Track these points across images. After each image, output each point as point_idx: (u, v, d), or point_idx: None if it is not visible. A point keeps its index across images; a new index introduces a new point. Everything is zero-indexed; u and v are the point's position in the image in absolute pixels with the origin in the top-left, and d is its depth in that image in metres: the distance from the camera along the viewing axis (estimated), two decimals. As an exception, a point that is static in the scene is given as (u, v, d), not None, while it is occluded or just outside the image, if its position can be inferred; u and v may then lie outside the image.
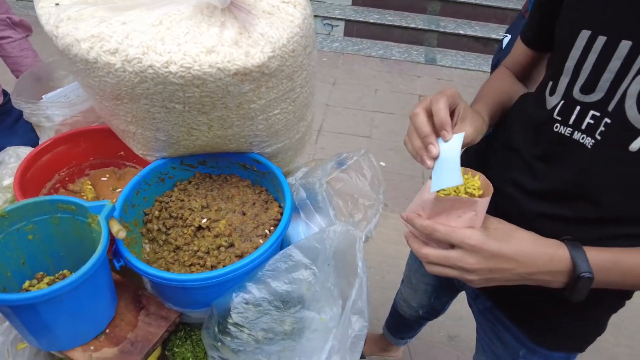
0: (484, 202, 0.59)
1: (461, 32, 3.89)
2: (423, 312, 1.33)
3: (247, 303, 0.67)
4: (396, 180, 2.57)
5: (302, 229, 0.83)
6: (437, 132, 0.63)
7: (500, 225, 0.63)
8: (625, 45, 0.57)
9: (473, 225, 0.60)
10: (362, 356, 1.79)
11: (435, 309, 1.32)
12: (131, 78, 0.66)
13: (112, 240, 0.71)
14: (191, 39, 0.65)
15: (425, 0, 4.07)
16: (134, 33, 0.65)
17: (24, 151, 0.92)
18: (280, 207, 0.83)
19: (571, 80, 0.64)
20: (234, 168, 0.89)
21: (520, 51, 0.85)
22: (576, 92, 0.64)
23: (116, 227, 0.66)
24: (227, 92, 0.68)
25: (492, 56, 3.89)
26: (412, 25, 3.94)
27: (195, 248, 0.77)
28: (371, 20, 3.95)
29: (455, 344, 1.85)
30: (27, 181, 0.84)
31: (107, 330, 0.73)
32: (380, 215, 0.86)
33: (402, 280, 1.37)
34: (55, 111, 0.95)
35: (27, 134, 1.24)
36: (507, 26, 3.98)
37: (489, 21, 3.99)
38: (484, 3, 3.95)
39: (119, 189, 0.95)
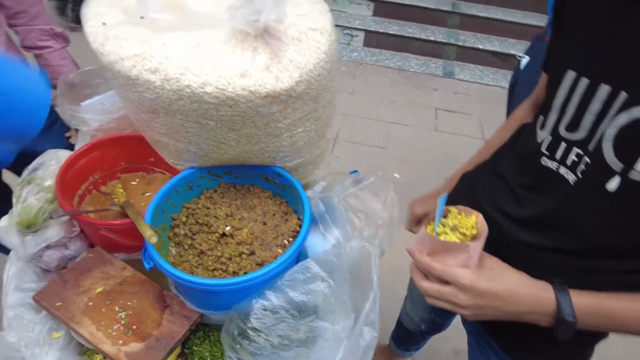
0: (476, 246, 0.63)
1: (480, 46, 3.91)
2: (425, 327, 1.36)
3: (265, 309, 0.72)
4: (408, 193, 2.60)
5: (319, 241, 0.88)
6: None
7: (494, 265, 0.67)
8: (604, 89, 0.60)
9: (467, 264, 0.64)
10: (368, 364, 1.82)
11: (436, 324, 1.35)
12: (169, 95, 0.72)
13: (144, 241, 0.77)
14: (226, 62, 0.70)
15: (446, 13, 4.10)
16: (174, 54, 0.71)
17: (63, 154, 0.98)
18: (299, 219, 0.88)
19: (558, 118, 0.68)
20: (256, 179, 0.94)
21: (543, 80, 0.87)
22: (562, 129, 0.67)
23: (148, 233, 0.71)
24: (256, 112, 0.73)
25: (510, 72, 3.90)
26: (432, 38, 3.97)
27: (219, 254, 0.82)
28: (391, 32, 4.00)
29: (460, 359, 1.87)
30: (66, 182, 0.90)
31: (135, 327, 0.79)
32: (393, 236, 0.90)
33: (406, 295, 1.40)
34: (92, 117, 1.01)
35: (58, 137, 1.31)
36: (526, 42, 4.00)
37: (508, 36, 4.00)
38: (504, 18, 3.97)
39: (148, 193, 1.01)
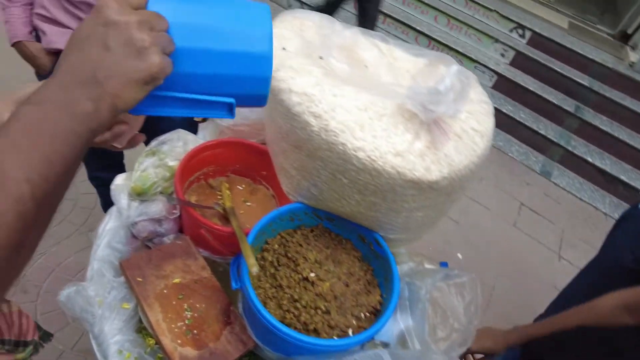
0: None
1: (589, 159, 3.70)
2: None
3: (324, 378, 0.71)
4: (464, 276, 2.51)
5: (389, 322, 0.86)
6: None
7: None
8: None
9: None
10: None
11: None
12: (320, 143, 0.73)
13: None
14: (386, 136, 0.71)
15: (566, 113, 3.93)
16: (341, 109, 0.72)
17: (191, 138, 1.03)
18: (381, 296, 0.86)
19: None
20: (352, 235, 0.94)
21: None
22: None
23: (252, 261, 0.73)
24: (391, 189, 0.73)
25: (612, 196, 3.64)
26: (542, 132, 3.82)
27: (296, 296, 0.82)
28: (504, 110, 3.89)
29: None
30: (185, 170, 0.95)
31: (195, 332, 0.80)
32: (467, 347, 0.86)
33: None
34: (228, 115, 1.06)
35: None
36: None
37: (624, 160, 3.76)
38: (627, 141, 3.73)
39: (249, 203, 1.04)
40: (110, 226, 0.95)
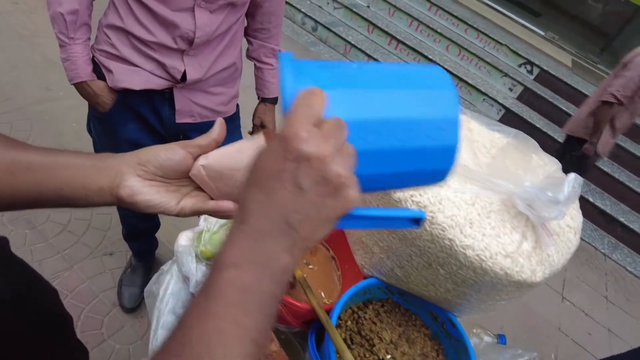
0: None
1: (590, 198, 3.77)
2: None
3: None
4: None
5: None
6: None
7: None
8: None
9: None
10: None
11: None
12: (423, 234, 0.71)
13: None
14: (495, 235, 0.69)
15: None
16: (448, 202, 0.71)
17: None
18: (457, 381, 0.85)
19: None
20: (422, 310, 0.92)
21: None
22: None
23: (348, 356, 0.70)
24: (492, 286, 0.72)
25: (610, 237, 3.70)
26: (546, 168, 3.89)
27: (373, 380, 0.80)
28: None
29: None
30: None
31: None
32: None
33: None
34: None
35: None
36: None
37: (623, 202, 3.84)
38: (628, 184, 3.82)
39: (311, 265, 1.02)
40: (172, 290, 0.92)
